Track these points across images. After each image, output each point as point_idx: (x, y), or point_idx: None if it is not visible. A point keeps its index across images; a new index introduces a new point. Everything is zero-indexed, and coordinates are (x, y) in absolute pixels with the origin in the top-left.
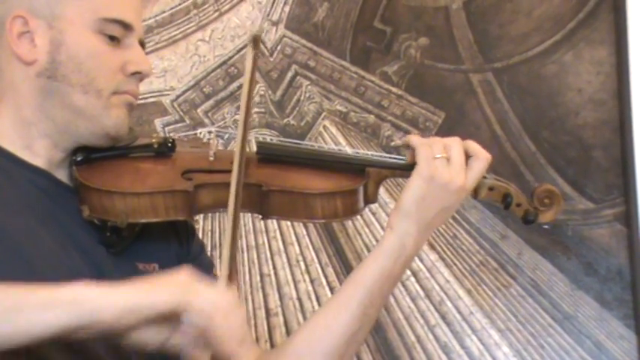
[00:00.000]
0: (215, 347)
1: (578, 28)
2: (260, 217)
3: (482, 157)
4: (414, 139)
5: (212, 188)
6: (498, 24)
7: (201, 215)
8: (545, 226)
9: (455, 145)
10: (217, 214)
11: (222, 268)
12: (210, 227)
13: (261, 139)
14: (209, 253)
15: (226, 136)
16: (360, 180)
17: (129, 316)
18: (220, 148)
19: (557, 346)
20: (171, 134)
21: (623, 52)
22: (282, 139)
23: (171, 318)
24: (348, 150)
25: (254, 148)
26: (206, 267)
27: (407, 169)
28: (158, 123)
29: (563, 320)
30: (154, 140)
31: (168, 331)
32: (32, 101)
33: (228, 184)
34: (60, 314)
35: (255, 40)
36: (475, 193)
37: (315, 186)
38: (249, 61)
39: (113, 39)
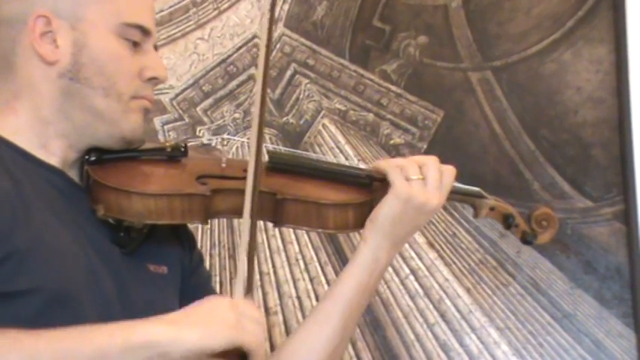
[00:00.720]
0: None
1: (577, 27)
2: (273, 224)
3: (451, 172)
4: (382, 164)
5: (227, 194)
6: (497, 22)
7: None
8: None
9: (431, 165)
10: None
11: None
12: (209, 226)
13: (272, 149)
14: (208, 252)
15: (226, 134)
16: (368, 194)
17: (193, 356)
18: (219, 146)
19: (556, 344)
20: (170, 133)
21: (622, 50)
22: (286, 148)
23: None
24: (357, 164)
25: (265, 157)
26: (205, 279)
27: None
28: (157, 121)
29: (562, 318)
30: (167, 144)
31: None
32: (52, 101)
33: (241, 191)
34: (138, 357)
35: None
36: (476, 212)
37: (328, 197)
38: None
39: (134, 44)
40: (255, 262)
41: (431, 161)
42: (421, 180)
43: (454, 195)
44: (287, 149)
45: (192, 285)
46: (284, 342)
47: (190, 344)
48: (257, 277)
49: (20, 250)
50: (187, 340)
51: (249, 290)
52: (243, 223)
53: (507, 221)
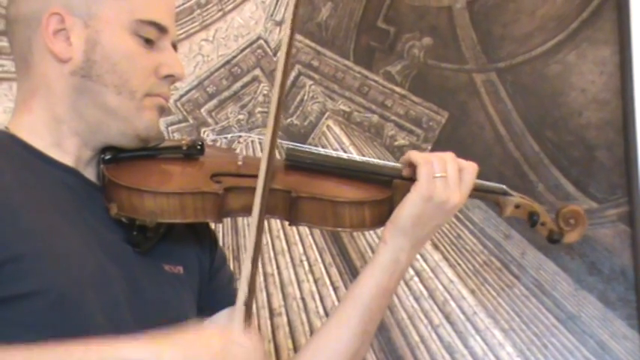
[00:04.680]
0: None
1: (581, 28)
2: (288, 223)
3: (472, 169)
4: (416, 155)
5: (241, 192)
6: (502, 24)
7: None
8: None
9: (450, 162)
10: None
11: (241, 291)
12: (213, 228)
13: (290, 146)
14: None
15: (230, 136)
16: (387, 191)
17: None
18: (225, 146)
19: (561, 345)
20: (175, 134)
21: (627, 51)
22: (302, 145)
23: None
24: (376, 160)
25: (280, 154)
26: (227, 280)
27: None
28: (162, 122)
29: (566, 320)
30: (183, 142)
31: None
32: (65, 99)
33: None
34: None
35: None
36: (501, 210)
37: (344, 195)
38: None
39: (148, 41)
40: (260, 263)
41: (449, 157)
42: (443, 177)
43: (477, 192)
44: (305, 146)
45: (213, 286)
46: (305, 344)
47: None
48: (261, 278)
49: (21, 255)
50: None
51: (251, 295)
52: (252, 224)
53: (532, 219)
